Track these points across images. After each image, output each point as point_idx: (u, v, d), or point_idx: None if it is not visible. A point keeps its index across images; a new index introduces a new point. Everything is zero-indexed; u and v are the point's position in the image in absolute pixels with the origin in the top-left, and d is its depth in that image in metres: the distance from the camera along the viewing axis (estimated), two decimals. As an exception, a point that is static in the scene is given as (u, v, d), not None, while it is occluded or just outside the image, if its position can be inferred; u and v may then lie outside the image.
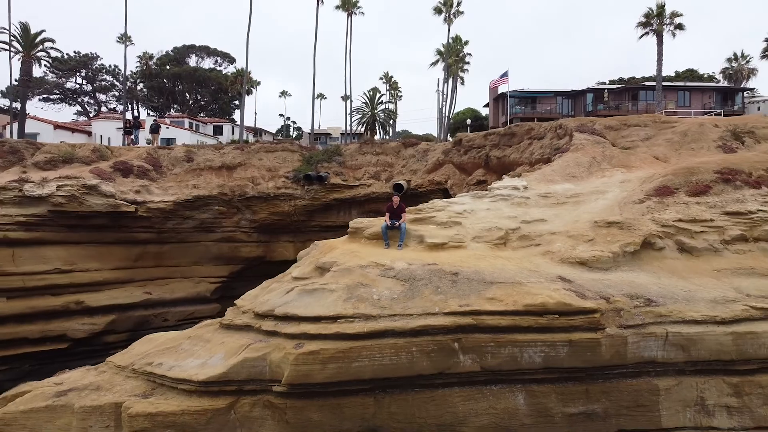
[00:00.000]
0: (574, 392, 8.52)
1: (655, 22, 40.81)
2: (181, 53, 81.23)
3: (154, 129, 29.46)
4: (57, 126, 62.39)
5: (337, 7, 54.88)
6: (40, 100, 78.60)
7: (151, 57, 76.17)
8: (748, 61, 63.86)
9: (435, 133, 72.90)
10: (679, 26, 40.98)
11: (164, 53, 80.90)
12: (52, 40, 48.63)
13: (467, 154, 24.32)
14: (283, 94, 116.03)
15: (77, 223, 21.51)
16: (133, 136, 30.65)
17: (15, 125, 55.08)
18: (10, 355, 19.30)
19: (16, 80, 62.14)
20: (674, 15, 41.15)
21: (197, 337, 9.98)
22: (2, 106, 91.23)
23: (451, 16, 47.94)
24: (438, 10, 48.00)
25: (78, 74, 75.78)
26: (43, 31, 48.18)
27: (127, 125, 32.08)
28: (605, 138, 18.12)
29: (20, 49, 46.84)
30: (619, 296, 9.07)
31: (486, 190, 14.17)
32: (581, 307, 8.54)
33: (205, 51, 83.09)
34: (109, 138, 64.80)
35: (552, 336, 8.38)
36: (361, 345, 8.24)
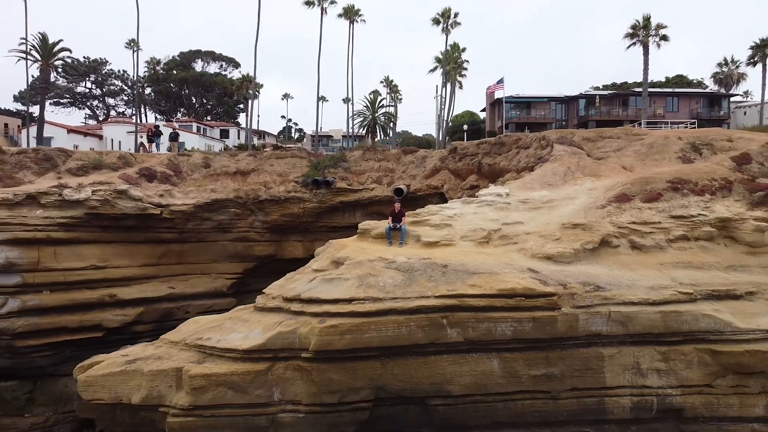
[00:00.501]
0: (537, 358, 10.86)
1: (642, 34, 43.19)
2: (187, 58, 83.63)
3: (173, 138, 31.84)
4: (70, 130, 64.73)
5: (340, 16, 57.19)
6: (51, 104, 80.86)
7: (158, 62, 78.69)
8: (737, 66, 66.09)
9: (434, 133, 75.04)
10: (664, 37, 43.34)
11: (171, 58, 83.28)
12: (69, 50, 51.05)
13: (462, 161, 26.69)
14: (286, 96, 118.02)
15: (109, 224, 23.83)
16: (155, 144, 32.99)
17: (30, 129, 57.56)
18: (52, 342, 21.60)
19: (28, 85, 64.49)
20: (659, 27, 43.53)
21: (236, 318, 12.32)
22: (12, 110, 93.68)
23: (449, 27, 50.34)
24: (436, 21, 50.43)
25: (88, 79, 78.23)
26: (60, 40, 50.52)
27: (149, 134, 34.41)
28: (582, 149, 20.48)
29: (39, 58, 48.93)
30: (575, 283, 11.41)
31: (474, 197, 16.54)
32: (543, 291, 10.88)
33: (211, 56, 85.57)
34: (120, 141, 67.14)
35: (519, 314, 10.72)
36: (370, 321, 10.58)
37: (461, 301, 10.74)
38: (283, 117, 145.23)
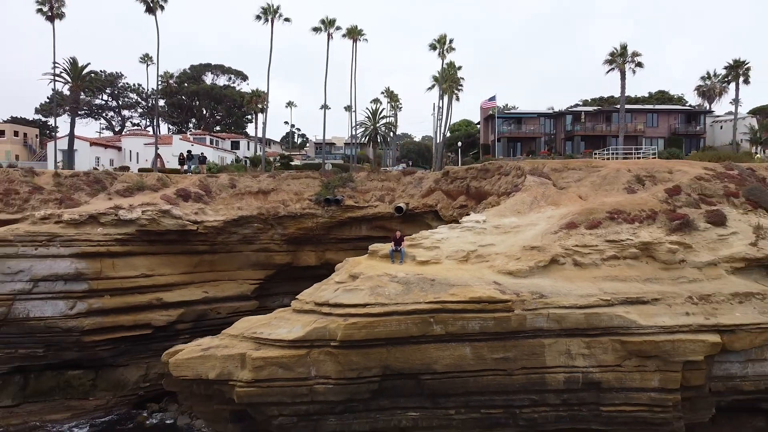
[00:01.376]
0: (497, 346, 15.28)
1: (619, 60, 47.56)
2: (197, 71, 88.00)
3: (202, 161, 36.27)
4: (93, 143, 69.21)
5: (344, 36, 61.63)
6: (69, 114, 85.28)
7: (171, 76, 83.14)
8: (720, 80, 70.54)
9: (432, 134, 79.32)
10: (639, 64, 47.71)
11: (182, 71, 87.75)
12: (96, 72, 55.52)
13: (452, 184, 31.14)
14: (290, 104, 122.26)
15: (155, 238, 28.27)
16: (186, 167, 37.43)
17: (57, 142, 62.07)
18: (112, 337, 25.99)
19: (52, 100, 68.72)
20: (635, 54, 47.96)
21: (280, 317, 16.74)
22: (27, 118, 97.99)
23: (445, 52, 54.74)
24: (433, 47, 54.83)
25: (104, 92, 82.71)
26: (88, 64, 55.10)
27: (182, 157, 38.86)
28: (550, 179, 24.93)
29: (69, 80, 53.38)
30: (526, 293, 15.85)
31: (458, 223, 20.99)
32: (501, 299, 15.31)
33: (220, 69, 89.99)
34: (137, 153, 71.70)
35: (484, 315, 15.14)
36: (379, 320, 14.98)
37: (444, 306, 15.16)
38: (286, 123, 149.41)
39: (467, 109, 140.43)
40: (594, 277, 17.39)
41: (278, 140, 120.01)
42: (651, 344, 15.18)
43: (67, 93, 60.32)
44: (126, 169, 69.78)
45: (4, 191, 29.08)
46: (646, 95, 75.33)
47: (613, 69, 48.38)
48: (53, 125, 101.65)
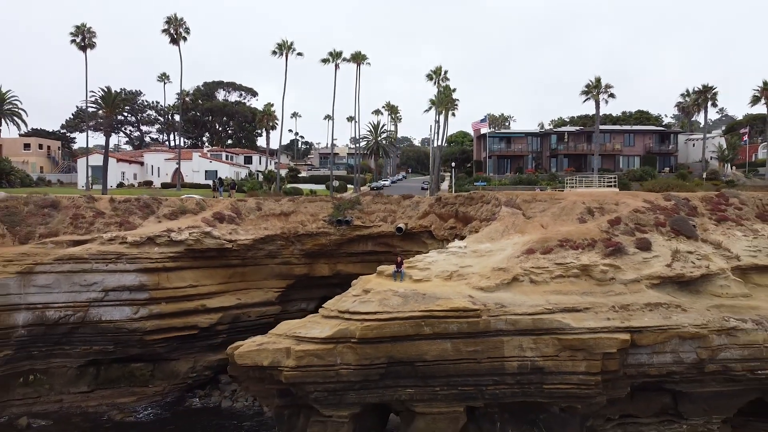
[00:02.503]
0: (470, 342, 21.37)
1: (594, 92, 53.71)
2: (210, 88, 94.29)
3: (232, 186, 42.38)
4: (119, 159, 75.70)
5: (348, 60, 67.91)
6: (91, 128, 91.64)
7: (187, 93, 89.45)
8: (692, 102, 76.77)
9: (430, 136, 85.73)
10: (611, 95, 53.98)
11: (196, 87, 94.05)
12: (128, 99, 61.84)
13: (444, 208, 37.26)
14: (295, 115, 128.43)
15: (199, 255, 34.36)
16: (218, 192, 43.56)
17: (87, 159, 68.37)
18: (167, 336, 32.07)
19: (72, 115, 74.52)
20: (608, 86, 54.28)
21: (312, 321, 22.82)
22: (48, 129, 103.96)
23: (440, 81, 60.98)
24: (430, 77, 61.07)
25: (125, 108, 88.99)
26: (123, 90, 61.33)
27: (214, 184, 44.99)
28: (520, 209, 31.04)
29: (103, 106, 59.72)
30: (491, 303, 21.94)
31: (445, 248, 27.09)
32: (473, 308, 21.40)
33: (232, 86, 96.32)
34: (158, 168, 78.15)
35: (460, 320, 21.23)
36: (385, 323, 21.04)
37: (431, 313, 21.23)
38: (290, 131, 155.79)
39: (465, 111, 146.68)
40: (544, 291, 23.50)
41: (283, 145, 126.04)
42: (579, 341, 21.27)
43: (99, 116, 66.48)
44: (149, 183, 76.45)
45: (73, 216, 35.15)
46: (632, 110, 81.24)
47: (588, 99, 54.57)
48: (71, 137, 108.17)
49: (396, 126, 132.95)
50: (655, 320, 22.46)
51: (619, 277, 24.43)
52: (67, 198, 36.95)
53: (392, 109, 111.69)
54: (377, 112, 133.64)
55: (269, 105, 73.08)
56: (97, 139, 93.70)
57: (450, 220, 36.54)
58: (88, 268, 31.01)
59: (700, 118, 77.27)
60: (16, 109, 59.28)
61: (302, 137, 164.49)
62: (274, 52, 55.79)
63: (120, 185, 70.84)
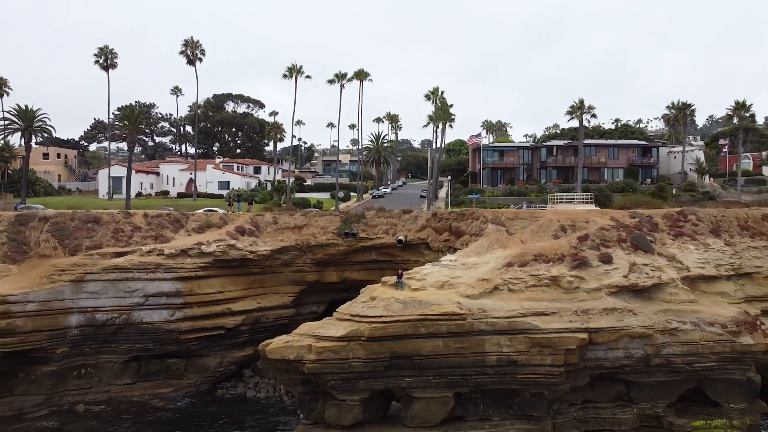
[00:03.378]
0: (458, 340, 26.30)
1: (578, 112, 58.68)
2: (219, 100, 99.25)
3: (250, 202, 47.28)
4: (137, 170, 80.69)
5: (351, 79, 72.95)
6: (107, 138, 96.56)
7: (199, 106, 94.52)
8: (673, 117, 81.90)
9: (430, 138, 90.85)
10: (594, 115, 58.95)
11: (206, 99, 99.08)
12: (149, 116, 66.86)
13: (439, 222, 42.20)
14: (299, 123, 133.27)
15: (225, 265, 39.29)
16: (235, 206, 48.47)
17: (109, 170, 73.55)
18: (198, 336, 37.01)
19: (90, 126, 79.35)
20: (590, 108, 59.29)
21: (329, 323, 27.76)
22: (63, 138, 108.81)
23: (438, 101, 65.93)
24: (428, 97, 66.07)
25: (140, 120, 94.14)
26: (144, 107, 66.45)
27: (231, 198, 49.96)
28: (504, 226, 35.97)
29: (127, 124, 64.73)
30: (475, 309, 26.89)
31: (439, 262, 32.04)
32: (460, 313, 26.36)
33: (240, 98, 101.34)
34: (174, 178, 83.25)
35: (449, 322, 26.16)
36: (388, 324, 25.98)
37: (426, 317, 26.16)
38: (294, 136, 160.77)
39: (463, 113, 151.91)
40: (519, 298, 28.45)
41: (286, 148, 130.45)
42: (546, 339, 26.22)
43: (118, 127, 71.29)
44: (165, 193, 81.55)
45: (114, 230, 40.10)
46: (613, 127, 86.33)
47: (573, 118, 59.57)
48: (85, 145, 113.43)
49: (396, 134, 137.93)
50: (609, 322, 27.43)
51: (582, 286, 29.38)
52: (107, 213, 41.89)
53: (392, 119, 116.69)
54: (378, 120, 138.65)
55: (275, 115, 77.93)
56: (111, 146, 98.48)
57: (444, 233, 41.50)
58: (131, 277, 35.96)
59: (691, 125, 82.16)
60: (46, 126, 64.14)
61: (305, 142, 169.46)
62: (285, 75, 60.75)
63: (138, 194, 75.81)
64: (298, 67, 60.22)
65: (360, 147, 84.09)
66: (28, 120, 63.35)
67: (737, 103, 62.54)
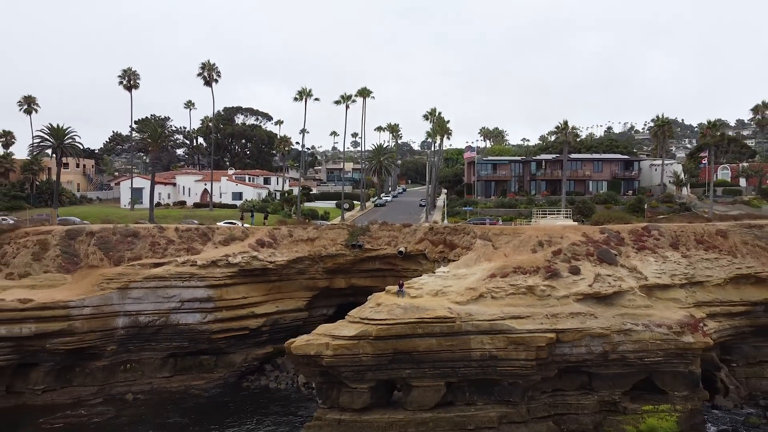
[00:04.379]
0: (448, 339, 32.07)
1: (561, 133, 64.50)
2: (229, 113, 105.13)
3: (265, 215, 53.03)
4: (156, 182, 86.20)
5: (355, 98, 78.74)
6: (125, 149, 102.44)
7: (210, 119, 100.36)
8: (652, 133, 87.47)
9: (429, 140, 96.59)
10: (576, 135, 64.63)
11: (217, 112, 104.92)
12: (171, 136, 72.75)
13: (435, 236, 48.03)
14: (303, 131, 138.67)
15: (248, 273, 45.08)
16: (249, 218, 54.35)
17: (132, 182, 79.29)
18: (226, 336, 42.82)
19: (109, 139, 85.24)
20: (574, 128, 65.12)
21: (342, 325, 33.57)
22: (88, 148, 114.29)
23: (435, 120, 71.78)
24: (426, 117, 71.97)
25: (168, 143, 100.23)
26: (160, 121, 72.25)
27: (244, 210, 55.85)
28: (490, 240, 41.78)
29: (151, 142, 70.42)
30: (463, 313, 32.71)
31: (434, 273, 37.86)
32: (450, 317, 32.17)
33: (249, 111, 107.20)
34: (189, 188, 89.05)
35: (441, 324, 31.90)
36: (392, 326, 31.76)
37: (422, 319, 31.96)
38: (297, 143, 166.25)
39: (459, 118, 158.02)
40: (500, 304, 34.26)
41: (291, 155, 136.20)
42: (521, 338, 32.04)
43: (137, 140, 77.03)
44: (182, 203, 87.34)
45: (151, 243, 45.92)
46: (597, 142, 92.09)
47: (558, 138, 65.40)
48: (100, 155, 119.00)
49: (397, 142, 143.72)
50: (574, 324, 33.26)
51: (553, 294, 35.21)
52: (143, 228, 47.73)
53: (393, 129, 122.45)
54: (379, 128, 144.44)
55: (280, 124, 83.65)
56: (127, 157, 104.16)
57: (440, 245, 47.33)
58: (169, 285, 41.79)
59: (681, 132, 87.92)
60: (75, 143, 69.92)
61: (308, 149, 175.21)
62: (296, 98, 66.62)
63: (157, 204, 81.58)
64: (308, 90, 66.11)
65: (362, 158, 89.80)
66: (59, 138, 68.97)
67: (709, 122, 68.31)
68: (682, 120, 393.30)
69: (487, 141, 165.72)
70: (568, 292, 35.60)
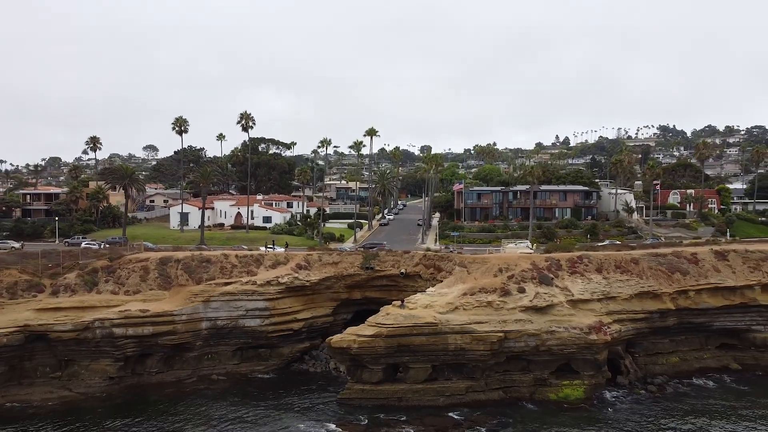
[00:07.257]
0: (434, 337, 49.22)
1: (529, 176, 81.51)
2: (255, 143, 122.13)
3: (286, 245, 70.20)
4: (199, 208, 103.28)
5: (363, 140, 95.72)
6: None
7: (238, 150, 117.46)
8: (616, 164, 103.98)
9: (430, 144, 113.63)
10: (545, 169, 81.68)
11: (243, 142, 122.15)
12: (216, 170, 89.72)
13: (427, 261, 65.16)
14: (314, 152, 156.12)
15: (291, 289, 62.16)
16: (272, 248, 71.59)
17: (182, 206, 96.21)
18: (278, 335, 59.91)
19: (152, 168, 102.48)
20: (541, 168, 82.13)
21: (363, 327, 50.73)
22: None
23: (431, 162, 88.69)
24: (425, 163, 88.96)
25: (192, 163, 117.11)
26: (195, 151, 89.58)
27: (267, 245, 73.07)
28: (466, 266, 58.94)
29: (201, 179, 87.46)
30: (443, 320, 49.86)
31: (425, 291, 55.06)
32: (435, 322, 49.32)
33: (271, 141, 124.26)
34: (225, 212, 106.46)
35: (429, 327, 49.10)
36: (397, 328, 48.85)
37: (416, 324, 49.02)
38: (308, 160, 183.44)
39: (454, 120, 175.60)
40: (468, 314, 51.41)
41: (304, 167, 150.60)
42: (481, 336, 49.22)
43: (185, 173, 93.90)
44: (221, 225, 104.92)
45: (221, 267, 63.12)
46: (564, 173, 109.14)
47: (524, 177, 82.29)
48: (141, 177, 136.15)
49: (398, 169, 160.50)
50: (516, 327, 50.44)
51: (505, 306, 52.37)
52: (214, 256, 64.97)
53: (395, 154, 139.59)
54: (382, 150, 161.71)
55: (293, 145, 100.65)
56: (164, 183, 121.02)
57: (431, 268, 64.55)
58: (238, 298, 58.93)
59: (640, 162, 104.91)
60: (140, 180, 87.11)
61: (317, 164, 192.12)
62: (319, 146, 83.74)
63: (199, 226, 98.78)
64: (328, 140, 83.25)
65: (370, 184, 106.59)
66: (127, 175, 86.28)
67: (649, 164, 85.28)
68: (674, 126, 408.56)
69: (480, 160, 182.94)
70: (515, 305, 52.77)
